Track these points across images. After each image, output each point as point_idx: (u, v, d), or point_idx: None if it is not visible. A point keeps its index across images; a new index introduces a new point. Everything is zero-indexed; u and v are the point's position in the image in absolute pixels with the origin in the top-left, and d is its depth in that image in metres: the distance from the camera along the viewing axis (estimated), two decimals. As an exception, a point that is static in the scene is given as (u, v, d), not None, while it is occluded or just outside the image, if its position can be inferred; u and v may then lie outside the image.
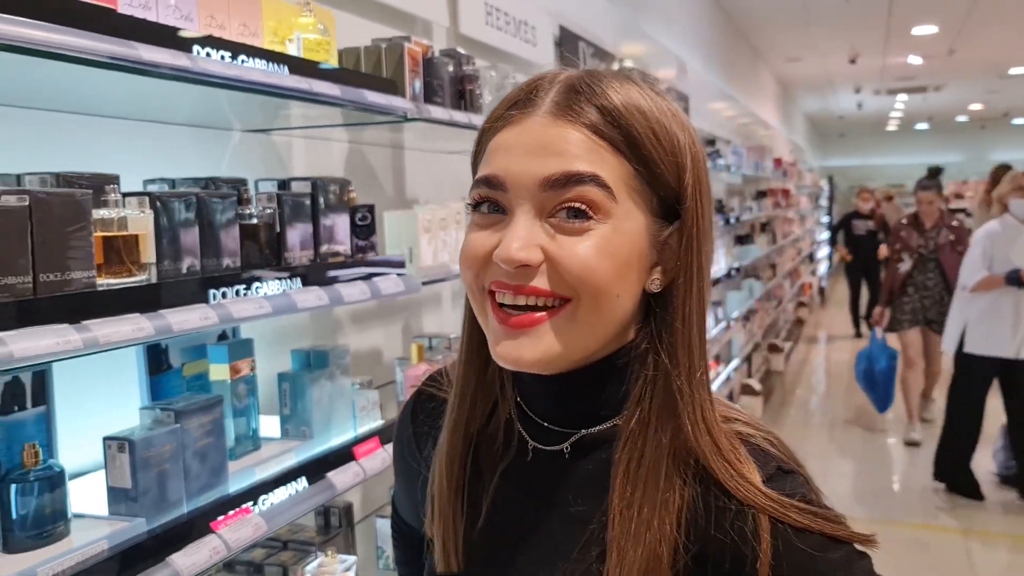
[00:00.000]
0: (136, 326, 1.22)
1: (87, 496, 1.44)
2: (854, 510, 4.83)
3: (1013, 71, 13.67)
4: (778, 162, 10.91)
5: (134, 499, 1.35)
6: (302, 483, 1.63)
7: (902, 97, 16.66)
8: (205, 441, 1.48)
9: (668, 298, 0.79)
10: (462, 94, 2.37)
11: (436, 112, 2.13)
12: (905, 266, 6.28)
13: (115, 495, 1.36)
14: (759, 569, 0.73)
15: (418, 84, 2.16)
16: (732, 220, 6.90)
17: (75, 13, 1.16)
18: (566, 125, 0.75)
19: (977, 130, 22.42)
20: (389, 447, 1.87)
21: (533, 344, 0.76)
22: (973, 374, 5.20)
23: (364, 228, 1.88)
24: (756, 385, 7.05)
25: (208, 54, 1.40)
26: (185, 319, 1.30)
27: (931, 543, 4.66)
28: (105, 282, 1.26)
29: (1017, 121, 21.09)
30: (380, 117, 2.11)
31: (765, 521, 0.74)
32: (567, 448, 0.85)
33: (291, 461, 1.68)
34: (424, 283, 2.03)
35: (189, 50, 1.36)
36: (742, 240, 7.88)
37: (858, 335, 10.83)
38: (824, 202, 18.56)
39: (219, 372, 1.65)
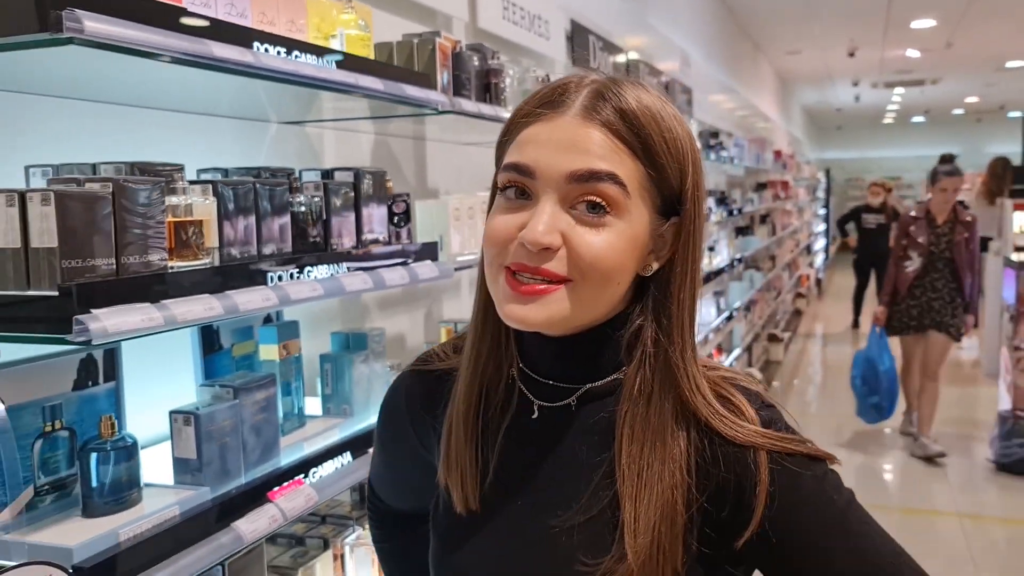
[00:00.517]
0: (207, 305, 1.30)
1: (149, 467, 1.52)
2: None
3: (1010, 64, 13.76)
4: (778, 154, 11.01)
5: (198, 469, 1.43)
6: (347, 457, 1.72)
7: (899, 90, 16.75)
8: (260, 416, 1.57)
9: (665, 284, 0.91)
10: (487, 87, 2.45)
11: (466, 105, 2.21)
12: (913, 265, 5.70)
13: (180, 465, 1.45)
14: (759, 487, 0.86)
15: (447, 77, 2.24)
16: (735, 212, 6.99)
17: (152, 12, 1.24)
18: (592, 127, 0.85)
19: (973, 123, 22.53)
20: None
21: (540, 308, 0.86)
22: None
23: (400, 216, 1.96)
24: (756, 374, 7.16)
25: (267, 50, 1.48)
26: (249, 299, 1.39)
27: (928, 528, 4.76)
28: (175, 265, 1.34)
29: (1013, 114, 21.20)
30: (407, 109, 2.19)
31: (763, 454, 0.88)
32: (574, 401, 0.95)
33: (335, 437, 1.77)
34: (456, 269, 2.12)
35: (251, 46, 1.44)
36: (743, 231, 7.98)
37: (856, 325, 10.87)
38: (821, 194, 18.66)
39: (269, 352, 1.74)
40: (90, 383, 1.40)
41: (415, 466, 1.12)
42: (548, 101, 0.89)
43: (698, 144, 0.95)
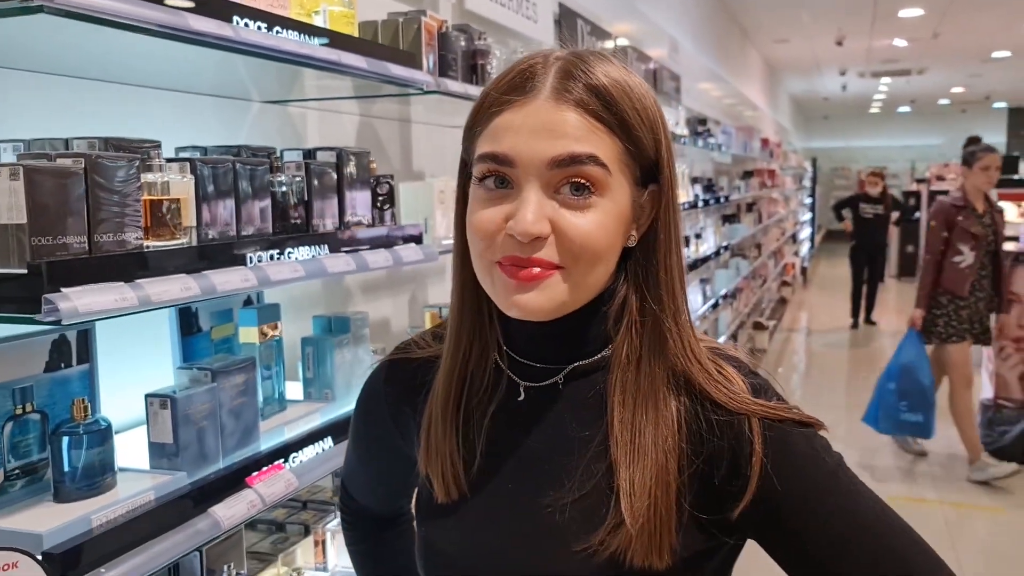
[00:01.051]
0: (184, 285, 1.26)
1: (124, 451, 1.49)
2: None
3: (996, 55, 13.82)
4: (765, 143, 11.01)
5: (175, 454, 1.40)
6: (328, 442, 1.69)
7: (886, 80, 16.80)
8: (239, 400, 1.54)
9: (649, 252, 0.91)
10: (474, 68, 2.41)
11: (452, 86, 2.17)
12: (967, 260, 4.92)
13: (156, 450, 1.41)
14: (754, 456, 0.87)
15: (433, 58, 2.21)
16: (721, 199, 6.98)
17: (127, -18, 1.20)
18: (566, 108, 0.84)
19: (958, 113, 22.63)
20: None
21: (541, 294, 0.85)
22: None
23: (384, 198, 1.93)
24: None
25: (247, 24, 1.44)
26: (227, 280, 1.35)
27: (910, 516, 4.74)
28: (151, 244, 1.31)
29: (998, 105, 21.32)
30: (391, 89, 2.15)
31: (756, 421, 0.88)
32: (561, 379, 0.94)
33: (317, 421, 1.74)
34: (440, 252, 2.09)
35: (230, 20, 1.40)
36: (729, 219, 7.98)
37: (855, 326, 10.30)
38: (807, 183, 18.72)
39: (249, 335, 1.70)
40: (63, 365, 1.36)
41: (393, 461, 1.10)
42: (517, 86, 0.86)
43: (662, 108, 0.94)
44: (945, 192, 12.18)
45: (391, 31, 2.13)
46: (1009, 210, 7.86)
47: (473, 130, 0.91)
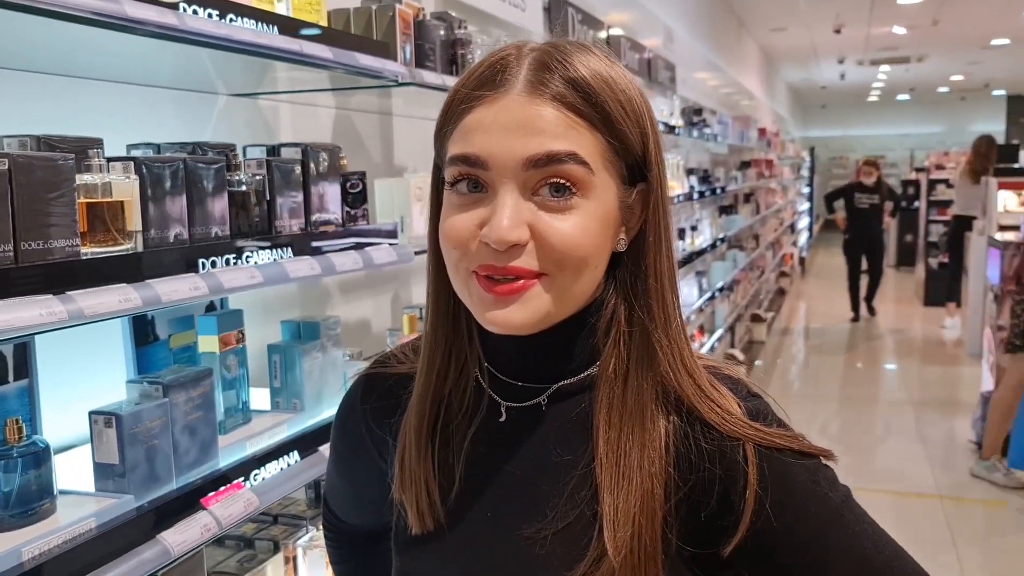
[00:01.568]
0: (123, 296, 1.16)
1: (73, 472, 1.39)
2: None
3: (995, 42, 13.69)
4: (762, 132, 10.89)
5: (121, 475, 1.30)
6: (294, 457, 1.60)
7: (885, 68, 16.66)
8: (195, 415, 1.44)
9: (637, 256, 0.84)
10: (454, 59, 2.30)
11: (428, 77, 2.07)
12: None
13: (102, 471, 1.31)
14: (748, 489, 0.79)
15: (409, 48, 2.10)
16: (718, 191, 6.88)
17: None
18: (542, 103, 0.76)
19: (957, 101, 22.50)
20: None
21: (521, 308, 0.79)
22: None
23: (355, 196, 1.83)
24: (739, 355, 7.08)
25: (195, 11, 1.33)
26: (174, 289, 1.25)
27: (909, 509, 4.72)
28: (90, 251, 1.21)
29: (998, 92, 21.17)
30: (370, 81, 2.05)
31: (751, 448, 0.80)
32: (544, 400, 0.87)
33: (283, 435, 1.64)
34: (416, 252, 1.99)
35: (176, 7, 1.29)
36: (726, 211, 7.87)
37: (856, 319, 9.96)
38: (805, 173, 18.61)
39: (208, 344, 1.60)
40: (-3, 382, 1.26)
41: (373, 479, 1.02)
42: (487, 80, 0.79)
43: (648, 99, 0.86)
44: (945, 180, 12.12)
45: (363, 20, 2.03)
46: (1009, 199, 7.75)
47: (443, 130, 0.83)
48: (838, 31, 12.14)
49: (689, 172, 6.08)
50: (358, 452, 1.03)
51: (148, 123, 1.78)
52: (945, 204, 11.57)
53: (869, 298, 10.17)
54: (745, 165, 9.44)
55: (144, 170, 1.31)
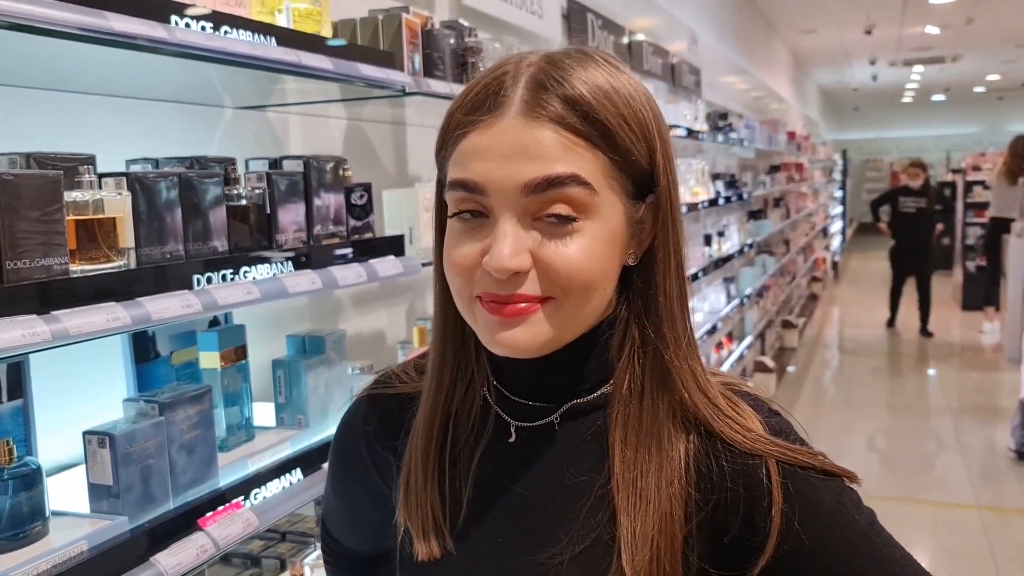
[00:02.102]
0: (111, 315, 1.14)
1: (71, 492, 1.38)
2: (868, 488, 4.76)
3: (1032, 40, 13.40)
4: (792, 136, 10.75)
5: (116, 496, 1.28)
6: (296, 475, 1.57)
7: (918, 68, 16.38)
8: (192, 434, 1.41)
9: (647, 273, 0.82)
10: (464, 67, 2.27)
11: (436, 86, 2.04)
12: None
13: (96, 492, 1.29)
14: (773, 508, 0.77)
15: (417, 57, 2.07)
16: (745, 196, 6.78)
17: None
18: (539, 125, 0.74)
19: (994, 101, 22.04)
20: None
21: (527, 330, 0.77)
22: None
23: (360, 208, 1.80)
24: (769, 362, 6.97)
25: (188, 24, 1.31)
26: (165, 307, 1.23)
27: (947, 519, 4.59)
28: (80, 269, 1.19)
29: (1035, 91, 20.72)
30: (378, 92, 2.03)
31: (774, 465, 0.78)
32: (556, 419, 0.85)
33: (286, 452, 1.61)
34: (425, 264, 1.95)
35: (167, 20, 1.27)
36: (755, 215, 7.77)
37: (891, 324, 9.59)
38: (837, 176, 18.35)
39: (209, 360, 1.58)
40: (-10, 402, 1.25)
41: (373, 503, 0.99)
42: (482, 103, 0.76)
43: (653, 101, 0.81)
44: (981, 182, 11.85)
45: (370, 30, 2.00)
46: (1047, 200, 7.56)
47: (441, 152, 0.80)
48: (869, 32, 11.95)
49: (715, 177, 6.00)
50: (358, 475, 1.00)
51: (152, 138, 1.77)
52: (982, 206, 11.31)
53: (924, 319, 9.34)
54: (774, 169, 9.32)
55: (137, 186, 1.29)
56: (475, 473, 0.86)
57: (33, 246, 1.10)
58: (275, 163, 1.69)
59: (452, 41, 2.24)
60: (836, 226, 16.58)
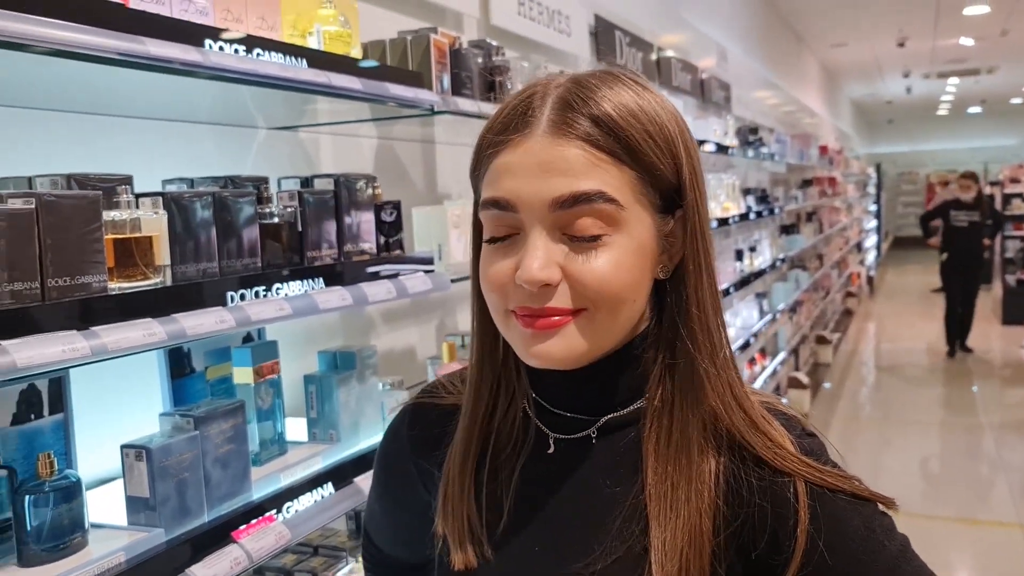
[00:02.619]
0: (147, 331, 1.17)
1: (110, 505, 1.41)
2: (908, 506, 4.67)
3: (1070, 50, 13.18)
4: (824, 150, 10.66)
5: (152, 508, 1.31)
6: (328, 489, 1.59)
7: (953, 80, 16.18)
8: (227, 448, 1.44)
9: (679, 285, 0.82)
10: (492, 86, 2.30)
11: (464, 104, 2.06)
12: None
13: (133, 504, 1.32)
14: (799, 528, 0.77)
15: (446, 77, 2.10)
16: (776, 211, 6.74)
17: (79, 9, 1.12)
18: (566, 143, 0.76)
19: (1032, 112, 21.69)
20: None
21: (560, 342, 0.79)
22: None
23: (390, 225, 1.83)
24: (803, 378, 6.88)
25: (221, 48, 1.35)
26: (200, 323, 1.26)
27: (990, 538, 4.49)
28: (117, 286, 1.22)
29: (1075, 102, 20.35)
30: (407, 111, 2.06)
31: (802, 486, 0.79)
32: (594, 432, 0.86)
33: (318, 466, 1.63)
34: (454, 280, 1.97)
35: (201, 44, 1.31)
36: (787, 230, 7.70)
37: (951, 354, 8.82)
38: (872, 190, 18.14)
39: (243, 375, 1.61)
40: (32, 416, 1.28)
41: (416, 511, 1.02)
42: (512, 122, 0.79)
43: (680, 118, 0.83)
44: (1019, 195, 11.64)
45: (399, 50, 2.04)
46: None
47: (475, 172, 0.84)
48: (902, 45, 11.84)
49: (746, 192, 5.97)
50: (402, 483, 1.03)
51: (188, 158, 1.81)
52: (1021, 219, 11.12)
53: (962, 336, 8.98)
54: (807, 183, 9.24)
55: (173, 205, 1.33)
56: (516, 484, 0.89)
57: (73, 264, 1.14)
58: (307, 182, 1.72)
59: (479, 60, 2.27)
60: (871, 240, 16.37)
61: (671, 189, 0.81)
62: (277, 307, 1.41)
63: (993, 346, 9.51)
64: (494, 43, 2.37)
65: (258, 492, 1.49)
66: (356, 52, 1.80)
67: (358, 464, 1.68)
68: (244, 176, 1.63)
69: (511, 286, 0.79)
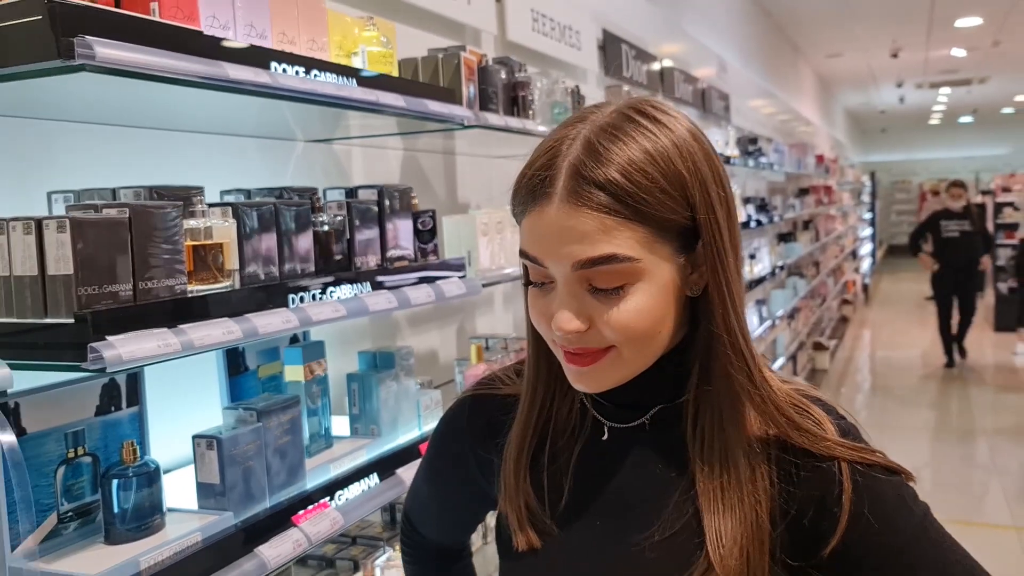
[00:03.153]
0: (226, 329, 1.29)
1: (173, 492, 1.52)
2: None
3: (1061, 61, 13.38)
4: (820, 159, 10.81)
5: (222, 494, 1.42)
6: (374, 479, 1.70)
7: (945, 90, 16.38)
8: (284, 439, 1.55)
9: (708, 303, 0.88)
10: (515, 100, 2.42)
11: (492, 119, 2.18)
12: None
13: (204, 490, 1.43)
14: (844, 496, 0.87)
15: (473, 91, 2.22)
16: (775, 219, 6.87)
17: (167, 36, 1.24)
18: (580, 212, 0.83)
19: (1023, 122, 21.94)
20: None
21: (597, 375, 0.89)
22: None
23: (426, 233, 1.94)
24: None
25: (284, 70, 1.47)
26: (269, 322, 1.37)
27: (985, 541, 4.60)
28: (194, 288, 1.33)
29: (1065, 112, 20.60)
30: (435, 125, 2.17)
31: (846, 465, 0.88)
32: (647, 420, 0.95)
33: (363, 458, 1.74)
34: (484, 284, 2.09)
35: (268, 67, 1.43)
36: (785, 238, 7.84)
37: (950, 365, 8.84)
38: (866, 198, 18.32)
39: (294, 373, 1.72)
40: (113, 408, 1.40)
41: (471, 498, 1.11)
42: (535, 188, 0.86)
43: (697, 144, 0.87)
44: (1011, 203, 11.79)
45: (431, 68, 2.16)
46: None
47: (514, 212, 0.92)
48: (895, 55, 12.03)
49: (746, 201, 6.10)
50: (457, 470, 1.11)
51: (236, 169, 1.93)
52: (1012, 227, 11.29)
53: (960, 338, 9.00)
54: (803, 192, 9.39)
55: (240, 214, 1.44)
56: (574, 467, 0.97)
57: (159, 268, 1.25)
58: (351, 192, 1.84)
59: (503, 76, 2.39)
60: (866, 248, 16.54)
61: (690, 227, 0.86)
62: (333, 308, 1.52)
63: (986, 353, 9.65)
64: (517, 60, 2.49)
65: (311, 481, 1.60)
66: (395, 71, 1.91)
67: (399, 457, 1.79)
68: (294, 187, 1.75)
69: (551, 327, 0.88)
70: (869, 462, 0.89)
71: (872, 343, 10.97)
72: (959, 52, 12.30)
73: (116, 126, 1.65)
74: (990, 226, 11.54)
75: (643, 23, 5.01)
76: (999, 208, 12.11)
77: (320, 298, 1.54)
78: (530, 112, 2.47)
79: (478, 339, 2.45)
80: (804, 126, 11.92)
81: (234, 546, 1.36)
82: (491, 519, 1.11)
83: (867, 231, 17.40)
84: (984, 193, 14.09)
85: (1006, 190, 12.38)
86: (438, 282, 1.88)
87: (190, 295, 1.30)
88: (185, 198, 1.39)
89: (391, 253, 1.83)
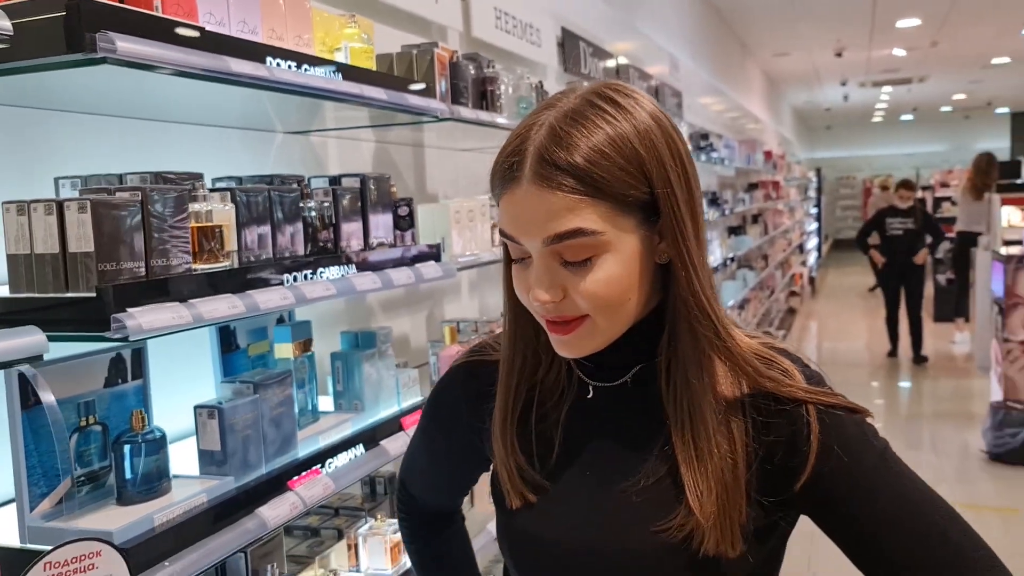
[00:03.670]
0: (231, 304, 1.39)
1: (174, 460, 1.60)
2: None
3: (996, 61, 13.93)
4: (768, 155, 11.12)
5: (223, 460, 1.52)
6: (359, 449, 1.81)
7: (887, 89, 16.93)
8: (279, 411, 1.65)
9: (673, 273, 0.95)
10: (484, 95, 2.54)
11: (464, 112, 2.30)
12: None
13: (206, 457, 1.53)
14: (812, 436, 0.95)
15: (445, 86, 2.34)
16: (726, 212, 7.09)
17: (173, 31, 1.33)
18: (547, 191, 0.90)
19: (961, 120, 22.74)
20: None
21: (576, 341, 0.97)
22: None
23: (404, 219, 2.05)
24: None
25: (278, 64, 1.57)
26: (269, 299, 1.47)
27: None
28: (198, 268, 1.43)
29: (1001, 110, 21.41)
30: (406, 117, 2.28)
31: (812, 408, 0.96)
32: (629, 379, 1.03)
33: (348, 431, 1.85)
34: (458, 269, 2.21)
35: (264, 61, 1.53)
36: (735, 231, 8.08)
37: (893, 354, 9.09)
38: (812, 193, 18.82)
39: (284, 351, 1.82)
40: (120, 380, 1.48)
41: (464, 461, 1.20)
42: (506, 172, 0.94)
43: (657, 125, 0.93)
44: (948, 198, 12.24)
45: (405, 63, 2.27)
46: (1013, 215, 7.94)
47: (492, 194, 1.01)
48: (839, 55, 12.42)
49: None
50: (452, 435, 1.18)
51: (222, 159, 2.02)
52: (950, 221, 11.71)
53: (916, 346, 9.01)
54: (752, 187, 9.67)
55: (237, 199, 1.54)
56: (563, 423, 1.05)
57: (168, 247, 1.35)
58: (334, 180, 1.94)
59: (473, 71, 2.51)
60: (812, 242, 17.00)
61: (651, 201, 0.93)
62: (325, 287, 1.63)
63: (926, 342, 10.02)
64: (485, 57, 2.61)
65: (303, 451, 1.71)
66: (374, 65, 2.02)
67: (382, 429, 1.91)
68: (283, 175, 1.85)
69: (531, 298, 0.96)
70: (832, 404, 0.97)
71: (819, 334, 11.32)
72: (900, 52, 12.74)
73: (112, 116, 1.73)
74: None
75: (599, 22, 5.17)
76: (938, 203, 12.56)
77: (311, 278, 1.65)
78: (498, 106, 2.59)
79: (449, 322, 2.56)
80: (753, 123, 12.24)
81: (237, 507, 1.47)
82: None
83: (813, 225, 17.88)
84: (924, 188, 14.60)
85: (944, 185, 12.86)
86: (417, 265, 2.00)
87: (196, 273, 1.40)
88: (187, 184, 1.48)
89: (372, 239, 1.93)
